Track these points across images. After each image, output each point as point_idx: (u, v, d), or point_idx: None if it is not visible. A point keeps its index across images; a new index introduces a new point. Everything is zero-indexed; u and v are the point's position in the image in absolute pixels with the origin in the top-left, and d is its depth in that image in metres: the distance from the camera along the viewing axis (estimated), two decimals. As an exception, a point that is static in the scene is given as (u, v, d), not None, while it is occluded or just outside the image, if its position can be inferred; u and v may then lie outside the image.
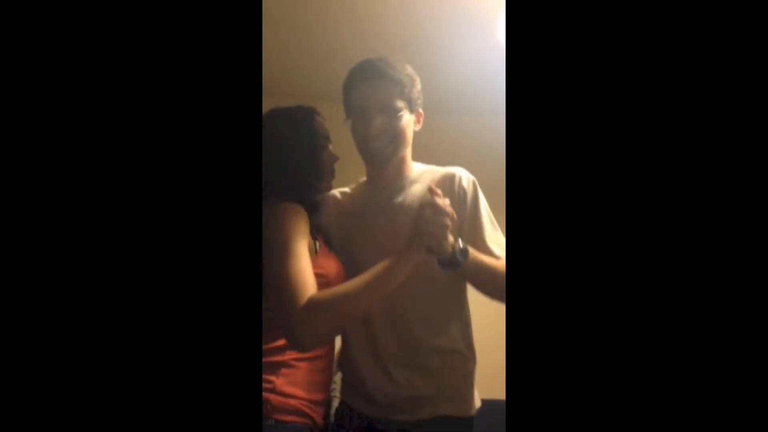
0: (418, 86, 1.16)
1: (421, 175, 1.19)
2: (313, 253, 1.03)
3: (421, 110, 1.19)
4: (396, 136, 1.12)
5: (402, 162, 1.19)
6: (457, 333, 1.16)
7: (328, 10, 2.12)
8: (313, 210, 1.12)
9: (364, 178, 1.27)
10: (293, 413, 1.01)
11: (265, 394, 0.98)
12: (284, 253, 0.95)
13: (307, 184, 1.11)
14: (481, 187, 1.18)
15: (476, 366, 1.18)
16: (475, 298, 1.17)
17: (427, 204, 0.93)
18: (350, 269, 1.08)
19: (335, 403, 2.43)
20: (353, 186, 1.30)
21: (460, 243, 0.99)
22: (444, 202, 0.93)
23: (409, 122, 1.14)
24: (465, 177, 1.16)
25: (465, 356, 1.16)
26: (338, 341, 1.21)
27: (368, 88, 1.11)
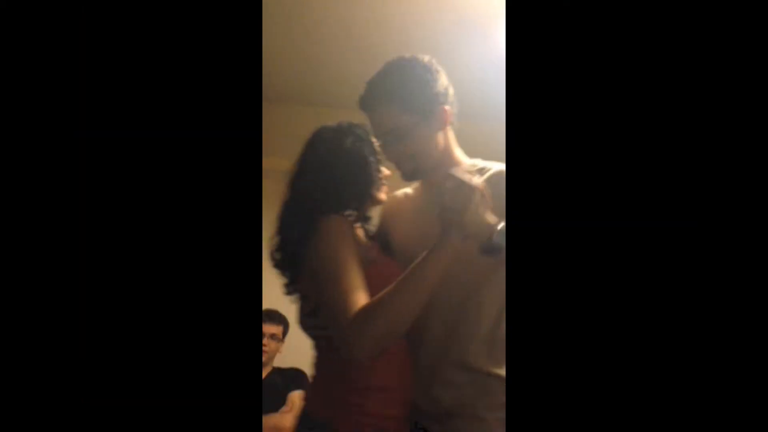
0: (435, 84, 1.02)
1: (472, 170, 1.08)
2: (367, 264, 1.01)
3: (446, 106, 1.03)
4: (416, 155, 1.02)
5: (447, 159, 1.06)
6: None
7: (327, 15, 2.13)
8: (365, 221, 1.13)
9: None
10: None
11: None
12: (333, 268, 0.95)
13: (354, 199, 1.09)
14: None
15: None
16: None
17: (449, 176, 0.86)
18: None
19: None
20: (415, 186, 1.22)
21: (501, 224, 0.85)
22: (467, 175, 0.86)
23: (427, 132, 1.02)
24: (497, 173, 1.02)
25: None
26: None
27: (376, 117, 1.03)
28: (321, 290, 0.96)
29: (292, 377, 2.39)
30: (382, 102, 1.00)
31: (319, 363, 1.10)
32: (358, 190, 1.09)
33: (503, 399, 0.92)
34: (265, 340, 2.40)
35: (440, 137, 1.04)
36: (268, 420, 2.15)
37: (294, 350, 2.49)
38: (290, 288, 1.11)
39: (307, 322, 1.10)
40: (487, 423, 1.02)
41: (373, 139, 1.07)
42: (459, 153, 1.12)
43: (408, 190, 1.24)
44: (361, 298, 0.91)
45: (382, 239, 1.19)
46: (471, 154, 1.16)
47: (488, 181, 1.01)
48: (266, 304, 1.58)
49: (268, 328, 2.42)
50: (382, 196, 1.14)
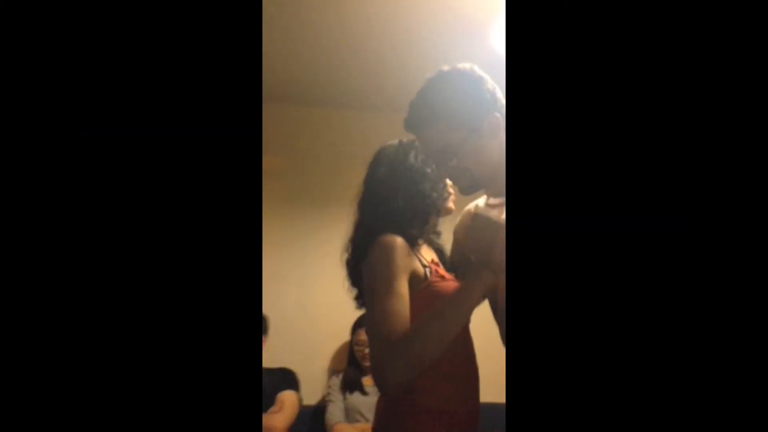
0: (478, 93, 0.96)
1: (496, 203, 1.03)
2: (422, 284, 1.02)
3: (496, 113, 0.97)
4: (469, 168, 0.96)
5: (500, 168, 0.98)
6: None
7: (327, 16, 2.13)
8: (436, 235, 1.14)
9: None
10: None
11: None
12: (381, 292, 0.95)
13: (419, 216, 1.08)
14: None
15: None
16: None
17: (475, 215, 0.86)
18: None
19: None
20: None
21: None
22: (495, 211, 0.83)
23: (478, 144, 0.96)
24: None
25: None
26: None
27: (424, 138, 0.99)
28: (368, 310, 0.98)
29: (281, 377, 2.38)
30: (426, 122, 0.96)
31: None
32: (424, 205, 1.08)
33: None
34: None
35: (494, 146, 0.97)
36: None
37: (280, 350, 2.49)
38: (359, 302, 1.13)
39: None
40: None
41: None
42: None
43: (480, 202, 1.15)
44: (399, 324, 0.90)
45: (454, 255, 1.18)
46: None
47: None
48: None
49: None
50: (450, 205, 1.13)
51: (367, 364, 2.41)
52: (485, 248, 0.84)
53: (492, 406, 1.42)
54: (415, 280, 1.01)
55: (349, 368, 2.47)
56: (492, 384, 1.48)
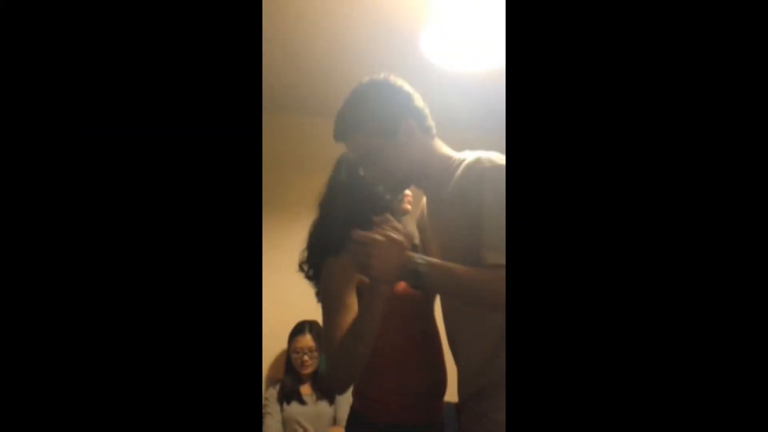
0: (391, 101, 1.04)
1: (459, 171, 1.06)
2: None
3: (411, 119, 1.04)
4: (389, 172, 1.06)
5: (427, 166, 1.07)
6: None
7: (326, 24, 2.13)
8: None
9: None
10: None
11: None
12: (329, 308, 1.10)
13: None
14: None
15: None
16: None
17: (351, 238, 0.93)
18: None
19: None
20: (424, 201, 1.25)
21: (415, 263, 0.93)
22: (362, 233, 0.92)
23: (396, 149, 1.04)
24: (490, 169, 0.97)
25: None
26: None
27: (348, 147, 1.10)
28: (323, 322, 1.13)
29: None
30: (350, 131, 1.05)
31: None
32: (378, 207, 1.14)
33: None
34: None
35: (412, 149, 1.05)
36: None
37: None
38: (318, 298, 1.20)
39: None
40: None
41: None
42: (443, 154, 1.11)
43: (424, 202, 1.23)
44: (342, 325, 1.04)
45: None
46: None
47: (469, 167, 1.00)
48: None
49: None
50: (406, 206, 1.21)
51: (306, 371, 2.34)
52: (366, 264, 0.93)
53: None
54: (365, 285, 1.08)
55: (286, 377, 2.39)
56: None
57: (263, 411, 2.31)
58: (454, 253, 1.00)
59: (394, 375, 1.18)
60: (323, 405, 2.33)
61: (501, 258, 0.89)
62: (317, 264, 1.19)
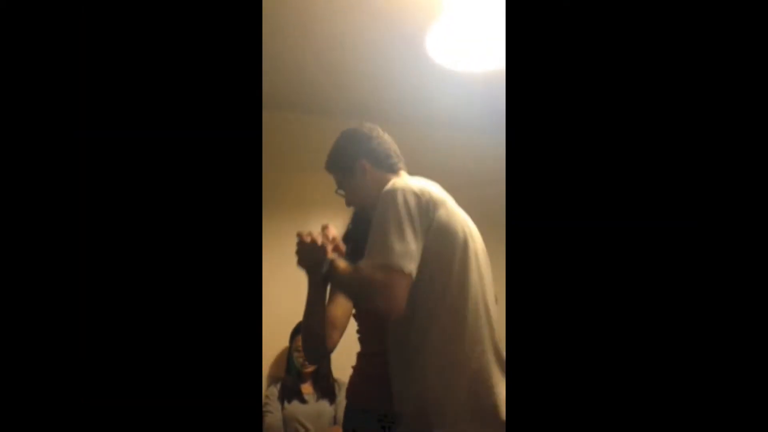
0: (351, 146, 1.33)
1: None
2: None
3: (364, 160, 1.31)
4: (352, 198, 1.35)
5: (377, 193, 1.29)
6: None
7: (327, 23, 2.12)
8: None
9: None
10: None
11: None
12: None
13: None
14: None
15: None
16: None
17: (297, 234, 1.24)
18: None
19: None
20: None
21: (324, 263, 1.20)
22: (300, 232, 1.22)
23: (353, 182, 1.32)
24: (385, 193, 1.17)
25: None
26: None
27: (333, 177, 1.39)
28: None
29: None
30: (331, 167, 1.37)
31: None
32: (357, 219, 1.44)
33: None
34: None
35: (365, 184, 1.31)
36: None
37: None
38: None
39: None
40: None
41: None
42: (395, 183, 1.24)
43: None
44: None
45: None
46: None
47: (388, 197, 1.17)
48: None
49: None
50: (331, 231, 1.37)
51: (307, 370, 2.35)
52: (301, 260, 1.24)
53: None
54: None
55: (287, 376, 2.39)
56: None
57: (264, 409, 2.32)
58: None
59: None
60: (324, 404, 2.33)
61: (369, 259, 1.09)
62: None
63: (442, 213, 1.13)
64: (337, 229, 1.31)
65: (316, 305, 1.25)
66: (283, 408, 2.33)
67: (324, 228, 1.26)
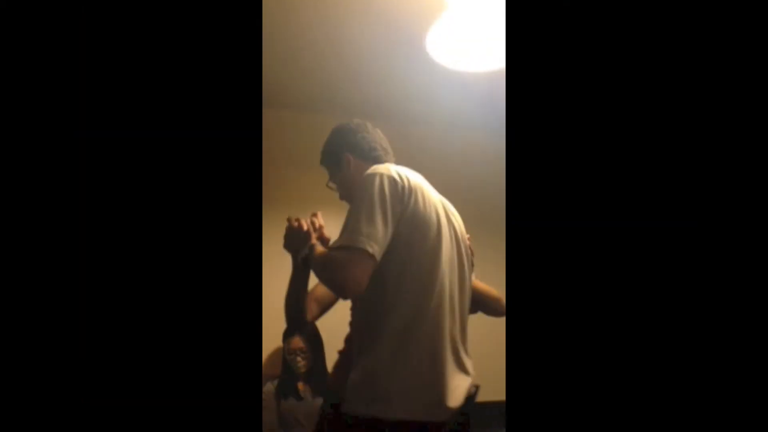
0: (339, 141, 1.38)
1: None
2: None
3: (348, 153, 1.37)
4: (340, 188, 1.40)
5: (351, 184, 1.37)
6: None
7: (326, 22, 2.13)
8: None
9: None
10: None
11: None
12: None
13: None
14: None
15: None
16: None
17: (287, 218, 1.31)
18: None
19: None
20: None
21: (306, 247, 1.25)
22: (289, 217, 1.29)
23: (340, 174, 1.38)
24: (365, 176, 1.19)
25: None
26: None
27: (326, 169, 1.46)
28: None
29: None
30: (322, 162, 1.44)
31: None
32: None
33: None
34: None
35: (352, 174, 1.34)
36: None
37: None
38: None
39: None
40: None
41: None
42: (376, 168, 1.28)
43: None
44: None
45: None
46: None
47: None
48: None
49: None
50: (319, 219, 1.42)
51: (301, 371, 2.35)
52: (287, 243, 1.32)
53: (492, 405, 1.43)
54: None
55: (284, 375, 2.40)
56: (492, 382, 1.49)
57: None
58: None
59: None
60: (320, 402, 2.33)
61: (338, 239, 1.11)
62: None
63: (418, 201, 1.14)
64: (337, 227, 1.32)
65: (296, 286, 1.34)
66: (279, 405, 2.34)
67: (313, 215, 1.32)
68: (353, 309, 1.26)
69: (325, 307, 1.41)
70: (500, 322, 1.20)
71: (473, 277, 1.34)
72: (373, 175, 1.15)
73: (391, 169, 1.17)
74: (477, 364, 1.18)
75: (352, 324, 1.26)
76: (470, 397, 1.15)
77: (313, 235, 1.26)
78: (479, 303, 1.40)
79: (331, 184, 1.42)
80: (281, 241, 1.31)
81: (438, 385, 1.08)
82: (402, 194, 1.13)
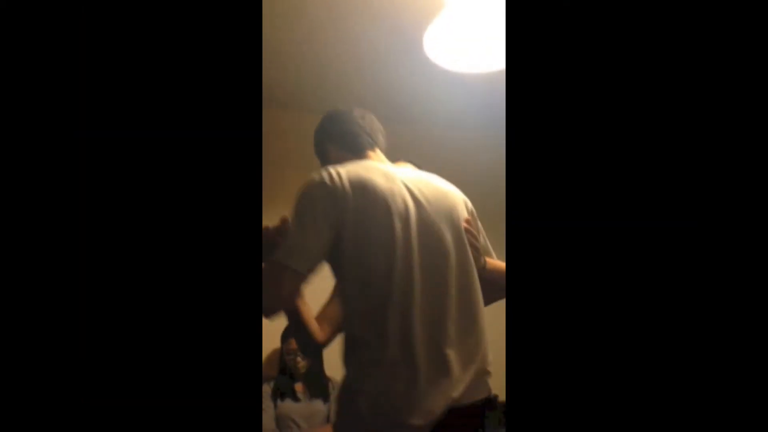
0: (328, 128, 1.35)
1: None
2: None
3: (329, 144, 1.35)
4: None
5: None
6: None
7: (326, 21, 2.12)
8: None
9: None
10: None
11: None
12: None
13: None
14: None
15: None
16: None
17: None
18: None
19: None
20: None
21: (277, 240, 1.22)
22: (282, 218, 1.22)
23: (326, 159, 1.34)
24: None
25: None
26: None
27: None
28: None
29: None
30: (315, 152, 1.40)
31: None
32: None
33: None
34: None
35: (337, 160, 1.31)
36: None
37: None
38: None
39: None
40: None
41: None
42: (316, 172, 1.24)
43: None
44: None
45: None
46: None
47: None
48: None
49: None
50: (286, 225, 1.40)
51: (301, 371, 2.36)
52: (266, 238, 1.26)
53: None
54: None
55: (280, 376, 2.41)
56: (492, 382, 1.49)
57: None
58: None
59: None
60: (317, 403, 2.33)
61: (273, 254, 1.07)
62: None
63: (360, 200, 1.06)
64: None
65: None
66: (276, 406, 2.34)
67: (281, 219, 1.19)
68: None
69: (339, 326, 1.23)
70: (500, 322, 1.20)
71: (492, 260, 1.26)
72: (307, 181, 1.11)
73: (325, 171, 1.10)
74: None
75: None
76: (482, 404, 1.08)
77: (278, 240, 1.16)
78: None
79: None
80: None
81: (408, 397, 0.98)
82: (334, 197, 1.05)
